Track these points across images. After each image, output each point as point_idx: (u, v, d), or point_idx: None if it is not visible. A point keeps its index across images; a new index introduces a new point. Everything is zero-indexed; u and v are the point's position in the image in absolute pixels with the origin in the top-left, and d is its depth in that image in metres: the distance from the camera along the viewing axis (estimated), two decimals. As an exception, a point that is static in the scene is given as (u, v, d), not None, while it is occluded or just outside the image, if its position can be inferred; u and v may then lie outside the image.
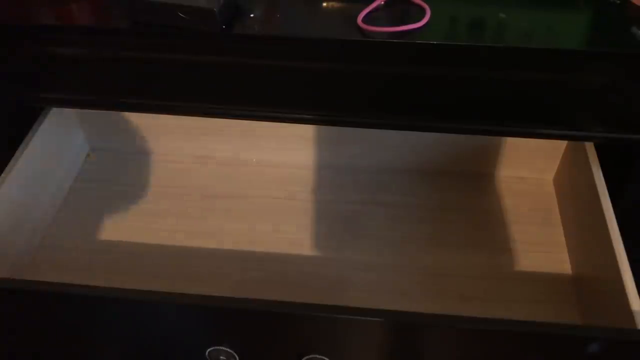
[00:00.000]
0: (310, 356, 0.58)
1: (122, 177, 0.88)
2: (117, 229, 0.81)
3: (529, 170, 0.86)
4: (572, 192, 0.79)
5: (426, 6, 0.61)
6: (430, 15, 0.60)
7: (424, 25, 0.59)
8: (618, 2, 0.62)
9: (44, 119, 0.80)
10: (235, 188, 0.86)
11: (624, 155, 0.72)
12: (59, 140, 0.84)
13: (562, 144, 0.82)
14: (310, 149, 0.87)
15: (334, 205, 0.84)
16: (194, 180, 0.87)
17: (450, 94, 0.62)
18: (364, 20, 0.60)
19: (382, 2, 0.62)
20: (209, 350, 0.59)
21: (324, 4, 0.63)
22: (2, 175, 0.73)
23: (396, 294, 0.73)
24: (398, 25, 0.59)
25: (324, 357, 0.58)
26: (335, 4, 0.63)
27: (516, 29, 0.60)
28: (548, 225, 0.81)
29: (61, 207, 0.84)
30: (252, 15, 0.62)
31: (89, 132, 0.90)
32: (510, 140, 0.83)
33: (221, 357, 0.59)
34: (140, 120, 0.87)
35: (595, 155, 0.72)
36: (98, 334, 0.62)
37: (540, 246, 0.78)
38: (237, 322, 0.58)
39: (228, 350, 0.58)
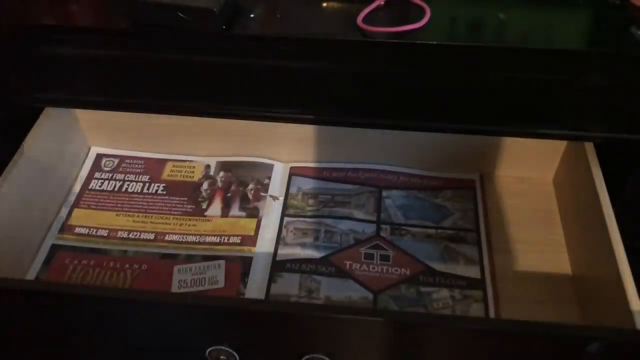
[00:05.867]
0: (311, 356, 0.58)
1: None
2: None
3: (529, 170, 0.86)
4: (572, 192, 0.79)
5: (426, 6, 0.61)
6: (430, 16, 0.60)
7: (424, 25, 0.59)
8: (618, 2, 0.62)
9: (44, 119, 0.80)
10: (235, 188, 0.86)
11: (623, 155, 0.72)
12: (59, 140, 0.84)
13: (562, 144, 0.82)
14: (310, 149, 0.88)
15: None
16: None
17: (450, 94, 0.62)
18: (364, 20, 0.60)
19: (382, 2, 0.62)
20: (209, 350, 0.59)
21: (324, 4, 0.63)
22: (2, 175, 0.73)
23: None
24: (398, 25, 0.59)
25: (324, 357, 0.58)
26: (335, 4, 0.63)
27: (516, 29, 0.60)
28: (548, 225, 0.81)
29: (61, 207, 0.84)
30: (252, 15, 0.62)
31: (89, 132, 0.90)
32: (510, 140, 0.83)
33: (221, 357, 0.59)
34: (140, 120, 0.87)
35: (595, 155, 0.72)
36: (98, 334, 0.62)
37: (540, 246, 0.78)
38: (237, 322, 0.58)
39: (228, 349, 0.58)
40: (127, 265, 0.77)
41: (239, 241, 0.79)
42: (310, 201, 0.84)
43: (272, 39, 0.60)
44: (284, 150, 0.88)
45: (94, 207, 0.84)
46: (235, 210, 0.83)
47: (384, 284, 0.74)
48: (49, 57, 0.64)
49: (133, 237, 0.80)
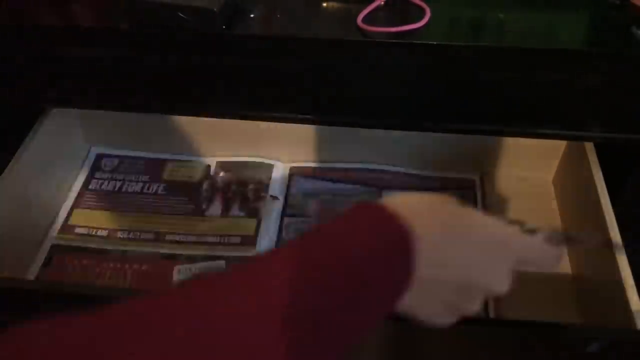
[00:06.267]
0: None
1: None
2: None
3: (529, 170, 0.86)
4: (572, 192, 0.79)
5: (426, 6, 0.61)
6: (430, 16, 0.60)
7: (424, 25, 0.59)
8: (618, 2, 0.62)
9: (44, 119, 0.80)
10: (235, 188, 0.86)
11: (623, 155, 0.72)
12: (59, 140, 0.84)
13: (562, 144, 0.82)
14: (310, 149, 0.88)
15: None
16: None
17: (449, 94, 0.62)
18: (364, 20, 0.60)
19: (382, 2, 0.62)
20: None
21: (324, 4, 0.63)
22: (3, 175, 0.73)
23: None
24: (398, 25, 0.59)
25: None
26: (335, 4, 0.63)
27: (516, 29, 0.60)
28: (548, 226, 0.80)
29: (61, 207, 0.84)
30: (252, 15, 0.62)
31: (89, 132, 0.90)
32: (510, 140, 0.83)
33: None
34: (140, 120, 0.87)
35: (595, 155, 0.72)
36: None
37: (540, 246, 0.78)
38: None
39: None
40: (127, 266, 0.77)
41: (239, 241, 0.79)
42: (310, 201, 0.84)
43: (272, 39, 0.60)
44: (284, 150, 0.88)
45: (94, 207, 0.84)
46: (235, 210, 0.83)
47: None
48: (49, 57, 0.64)
49: (133, 237, 0.80)
